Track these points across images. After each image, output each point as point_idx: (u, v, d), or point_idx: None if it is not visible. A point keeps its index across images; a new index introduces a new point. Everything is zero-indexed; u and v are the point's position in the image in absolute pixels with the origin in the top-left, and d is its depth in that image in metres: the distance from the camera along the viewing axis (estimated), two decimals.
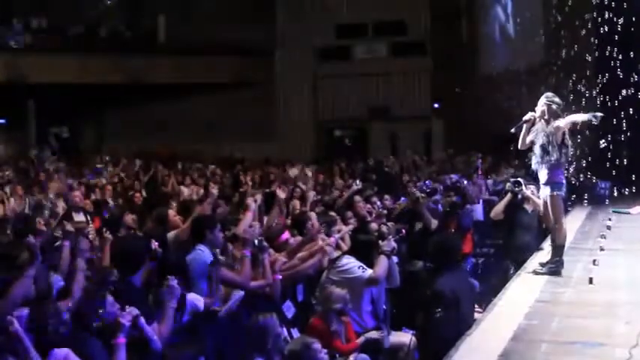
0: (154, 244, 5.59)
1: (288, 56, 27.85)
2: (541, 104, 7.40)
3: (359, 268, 6.30)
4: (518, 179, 8.98)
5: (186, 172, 15.83)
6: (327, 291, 5.98)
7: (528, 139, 7.43)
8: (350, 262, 6.37)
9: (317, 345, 4.89)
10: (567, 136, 7.28)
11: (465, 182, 11.65)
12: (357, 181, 11.41)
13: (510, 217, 9.01)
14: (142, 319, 4.49)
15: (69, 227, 6.52)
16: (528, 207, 8.75)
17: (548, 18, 18.80)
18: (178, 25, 26.70)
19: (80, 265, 4.86)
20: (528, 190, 8.78)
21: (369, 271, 6.29)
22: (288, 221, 8.32)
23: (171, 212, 7.59)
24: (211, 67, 27.07)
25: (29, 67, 23.57)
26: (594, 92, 15.71)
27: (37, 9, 25.92)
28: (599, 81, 15.29)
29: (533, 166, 7.56)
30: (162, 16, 27.27)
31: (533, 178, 8.48)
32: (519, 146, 7.58)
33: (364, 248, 6.64)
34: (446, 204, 9.26)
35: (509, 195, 8.95)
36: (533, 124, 7.41)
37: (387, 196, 9.96)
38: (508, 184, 9.21)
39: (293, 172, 12.16)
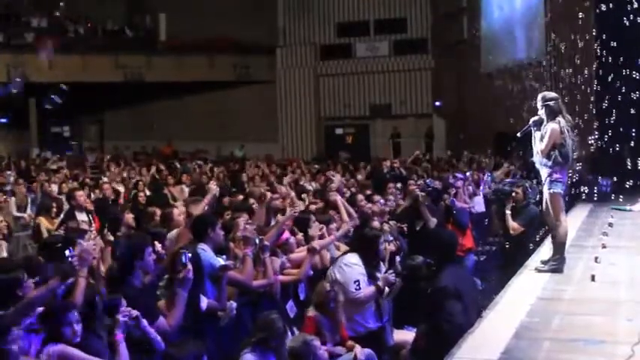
0: (158, 246, 5.57)
1: (290, 54, 27.88)
2: (539, 107, 7.40)
3: (355, 283, 6.23)
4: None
5: (186, 171, 15.79)
6: (319, 287, 5.99)
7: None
8: (351, 271, 6.28)
9: (316, 342, 4.92)
10: (565, 136, 7.25)
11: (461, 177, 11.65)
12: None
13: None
14: (144, 322, 4.49)
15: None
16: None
17: (549, 13, 18.77)
18: (179, 24, 26.71)
19: (82, 272, 4.83)
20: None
21: (361, 292, 6.23)
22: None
23: (176, 211, 7.56)
24: (212, 65, 27.11)
25: (30, 66, 23.59)
26: (594, 87, 15.68)
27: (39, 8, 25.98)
28: (598, 75, 15.26)
29: (536, 165, 7.57)
30: (163, 14, 27.28)
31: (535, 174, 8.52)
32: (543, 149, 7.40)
33: (367, 244, 6.54)
34: (442, 205, 9.27)
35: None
36: (541, 124, 7.38)
37: (378, 197, 9.90)
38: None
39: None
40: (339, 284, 6.21)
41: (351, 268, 6.32)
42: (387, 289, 6.40)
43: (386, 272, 6.55)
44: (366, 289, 6.31)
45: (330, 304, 5.89)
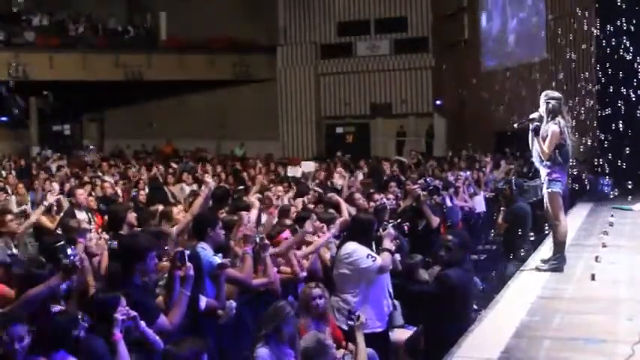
0: (165, 247, 5.56)
1: (290, 53, 27.88)
2: (541, 103, 7.40)
3: (368, 257, 6.09)
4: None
5: (187, 170, 15.75)
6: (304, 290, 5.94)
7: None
8: (356, 251, 6.16)
9: (330, 341, 4.89)
10: (564, 137, 7.25)
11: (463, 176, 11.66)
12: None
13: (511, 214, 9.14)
14: (142, 323, 4.48)
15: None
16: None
17: (549, 13, 18.78)
18: (179, 23, 26.72)
19: (90, 279, 4.82)
20: None
21: (378, 260, 6.09)
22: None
23: (175, 210, 7.56)
24: (213, 64, 27.10)
25: (31, 65, 23.60)
26: (595, 87, 15.68)
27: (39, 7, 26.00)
28: (600, 76, 15.25)
29: (535, 164, 7.57)
30: (164, 13, 27.29)
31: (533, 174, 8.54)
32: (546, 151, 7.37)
33: (362, 227, 6.42)
34: (433, 204, 9.27)
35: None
36: (540, 122, 7.38)
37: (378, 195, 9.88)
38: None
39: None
40: (354, 268, 6.10)
41: (356, 249, 6.19)
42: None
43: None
44: (381, 255, 6.20)
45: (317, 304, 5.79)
